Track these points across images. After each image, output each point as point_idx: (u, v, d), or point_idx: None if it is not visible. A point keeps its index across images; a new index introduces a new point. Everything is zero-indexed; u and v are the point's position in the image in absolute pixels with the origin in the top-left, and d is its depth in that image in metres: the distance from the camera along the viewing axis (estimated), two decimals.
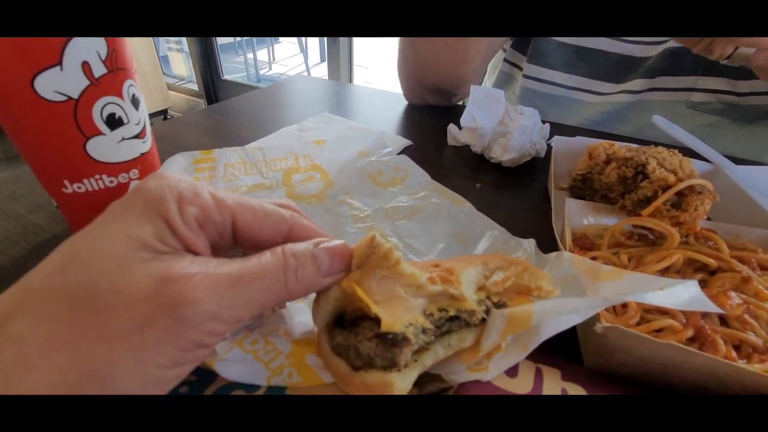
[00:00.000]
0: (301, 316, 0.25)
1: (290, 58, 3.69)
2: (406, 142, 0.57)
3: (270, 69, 3.54)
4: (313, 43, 3.53)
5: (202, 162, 0.34)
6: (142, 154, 0.34)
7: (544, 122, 0.53)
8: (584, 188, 0.40)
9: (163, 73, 2.53)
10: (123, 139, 0.32)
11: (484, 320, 0.21)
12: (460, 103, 0.75)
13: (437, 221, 0.37)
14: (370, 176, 0.41)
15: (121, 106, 0.31)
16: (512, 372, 0.22)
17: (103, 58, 0.28)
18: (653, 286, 0.21)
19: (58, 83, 0.27)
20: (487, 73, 0.84)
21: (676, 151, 0.37)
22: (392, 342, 0.18)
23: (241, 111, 0.68)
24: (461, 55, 0.63)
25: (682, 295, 0.20)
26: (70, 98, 0.28)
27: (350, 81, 2.34)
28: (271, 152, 0.38)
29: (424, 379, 0.21)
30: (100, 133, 0.30)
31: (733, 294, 0.27)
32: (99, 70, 0.28)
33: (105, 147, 0.31)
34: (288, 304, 0.27)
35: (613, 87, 0.66)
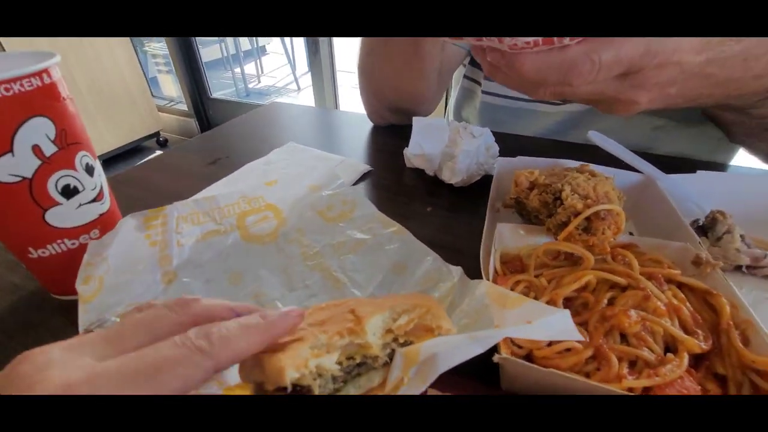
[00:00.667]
0: None
1: (278, 70, 3.73)
2: (366, 168, 0.60)
3: (259, 82, 3.58)
4: (300, 53, 3.55)
5: (153, 219, 0.37)
6: (101, 214, 0.37)
7: (497, 138, 0.55)
8: (520, 209, 0.43)
9: (153, 96, 2.57)
10: (80, 205, 0.35)
11: (387, 364, 0.24)
12: None
13: (379, 253, 0.39)
14: (319, 212, 0.44)
15: (75, 177, 0.34)
16: None
17: (53, 138, 0.31)
18: (539, 315, 0.24)
19: (11, 167, 0.30)
20: (452, 86, 0.86)
21: (597, 172, 0.39)
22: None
23: (212, 146, 0.71)
24: (417, 72, 0.66)
25: (553, 326, 0.23)
26: (24, 178, 0.31)
27: (334, 88, 2.36)
28: (223, 199, 0.41)
29: None
30: (57, 204, 0.33)
31: (632, 312, 0.30)
32: (49, 149, 0.31)
33: (63, 215, 0.34)
34: None
35: None
